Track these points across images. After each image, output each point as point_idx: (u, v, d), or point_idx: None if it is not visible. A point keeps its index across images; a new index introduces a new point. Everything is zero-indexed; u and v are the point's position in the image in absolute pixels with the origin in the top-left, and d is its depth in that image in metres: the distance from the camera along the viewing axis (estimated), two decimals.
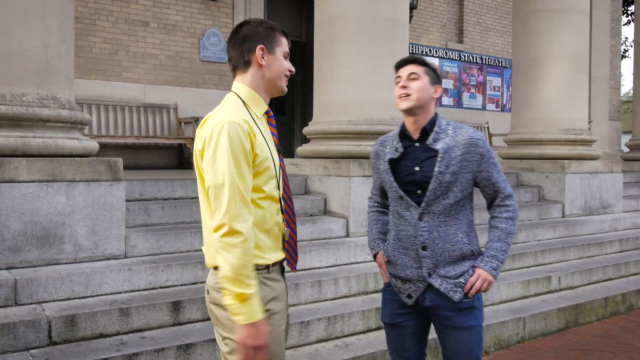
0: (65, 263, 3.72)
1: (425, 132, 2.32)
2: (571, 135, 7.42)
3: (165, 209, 4.55)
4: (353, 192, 5.15)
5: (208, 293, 2.02)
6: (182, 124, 8.17)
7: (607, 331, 4.87)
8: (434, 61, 11.56)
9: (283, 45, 2.04)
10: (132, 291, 3.72)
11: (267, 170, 1.95)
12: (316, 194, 5.49)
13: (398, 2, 5.63)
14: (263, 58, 1.98)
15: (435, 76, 2.37)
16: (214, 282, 1.97)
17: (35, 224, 3.63)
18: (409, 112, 2.31)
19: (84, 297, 3.55)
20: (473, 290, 2.29)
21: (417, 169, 2.32)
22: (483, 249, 2.38)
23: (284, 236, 2.06)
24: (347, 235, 5.15)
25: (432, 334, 2.54)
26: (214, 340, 3.36)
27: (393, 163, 2.37)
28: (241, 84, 2.02)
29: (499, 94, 12.73)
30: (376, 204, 2.62)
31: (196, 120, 7.78)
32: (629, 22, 22.01)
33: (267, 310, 1.95)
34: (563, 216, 7.14)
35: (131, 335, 3.36)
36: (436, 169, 2.27)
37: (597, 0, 13.12)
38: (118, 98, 7.81)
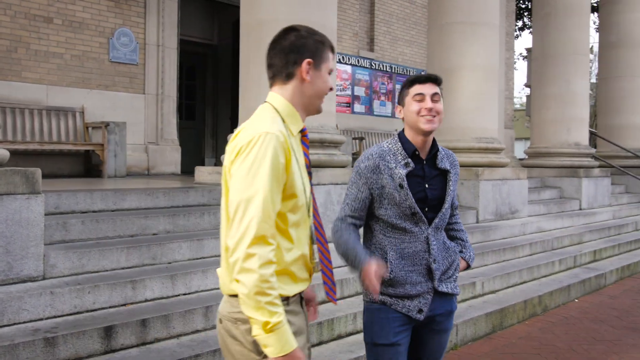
0: None
1: (436, 151, 2.37)
2: (483, 143, 7.74)
3: (85, 223, 4.16)
4: None
5: (221, 322, 1.80)
6: (90, 128, 7.60)
7: (529, 333, 5.08)
8: (347, 68, 11.68)
9: (329, 61, 1.89)
10: (56, 317, 3.35)
11: (295, 196, 1.76)
12: None
13: (327, 9, 5.58)
14: (308, 73, 1.82)
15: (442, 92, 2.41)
16: (228, 310, 1.77)
17: None
18: (430, 133, 2.30)
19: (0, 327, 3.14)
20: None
21: (427, 186, 2.34)
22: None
23: (314, 267, 1.89)
24: None
25: None
26: None
27: (407, 178, 2.32)
28: (279, 97, 1.84)
29: None
30: (351, 227, 2.40)
31: (106, 125, 7.26)
32: (517, 37, 23.59)
33: None
34: (477, 221, 7.41)
35: None
36: (450, 187, 2.37)
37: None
38: (17, 100, 7.12)
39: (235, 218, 1.64)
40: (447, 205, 2.37)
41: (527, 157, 11.09)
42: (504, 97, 15.37)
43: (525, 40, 49.35)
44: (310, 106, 1.88)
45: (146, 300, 3.74)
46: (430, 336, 2.47)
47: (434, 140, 2.39)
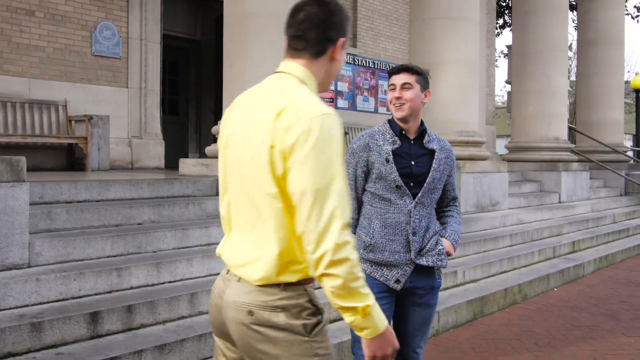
0: None
1: (423, 133, 2.58)
2: (464, 137, 7.85)
3: (70, 212, 4.18)
4: None
5: (252, 314, 1.64)
6: (73, 122, 7.57)
7: (509, 320, 5.19)
8: None
9: (347, 42, 1.79)
10: (42, 303, 3.37)
11: None
12: None
13: None
14: (339, 52, 1.72)
15: (426, 82, 2.57)
16: (265, 299, 1.63)
17: None
18: (403, 119, 2.53)
19: None
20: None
21: (412, 163, 2.55)
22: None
23: None
24: None
25: None
26: (139, 352, 3.15)
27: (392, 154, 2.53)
28: (307, 71, 1.70)
29: None
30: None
31: (90, 119, 7.25)
32: (498, 34, 23.85)
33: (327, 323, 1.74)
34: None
35: (45, 352, 3.04)
36: (434, 165, 2.56)
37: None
38: None
39: (314, 210, 1.51)
40: (430, 180, 2.54)
41: (508, 152, 11.25)
42: (485, 93, 15.54)
43: (506, 38, 49.93)
44: (326, 84, 1.78)
45: (132, 288, 3.77)
46: (413, 310, 2.62)
47: (422, 123, 2.61)
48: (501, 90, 43.81)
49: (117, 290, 3.71)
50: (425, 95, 2.57)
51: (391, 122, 2.60)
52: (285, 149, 1.55)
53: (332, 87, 11.83)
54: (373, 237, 2.56)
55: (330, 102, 11.81)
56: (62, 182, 4.46)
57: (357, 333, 1.64)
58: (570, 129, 14.99)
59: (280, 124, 1.56)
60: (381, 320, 1.62)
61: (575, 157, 11.00)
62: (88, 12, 7.90)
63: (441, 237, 2.64)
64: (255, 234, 1.65)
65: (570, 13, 21.18)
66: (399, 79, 2.52)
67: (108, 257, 3.99)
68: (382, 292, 2.53)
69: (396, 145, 2.54)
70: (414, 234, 2.52)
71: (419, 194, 2.54)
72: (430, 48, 7.82)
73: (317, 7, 1.71)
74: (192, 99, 12.22)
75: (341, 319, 4.21)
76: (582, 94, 13.26)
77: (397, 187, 2.52)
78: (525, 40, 10.52)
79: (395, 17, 13.03)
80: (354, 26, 12.18)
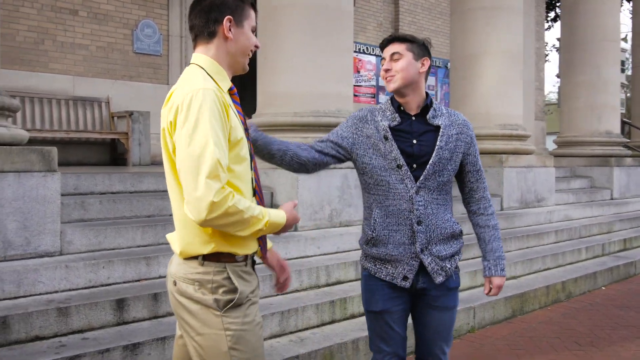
0: None
1: (426, 107, 2.31)
2: (507, 130, 7.61)
3: (103, 203, 4.25)
4: (301, 185, 5.02)
5: (175, 285, 1.84)
6: (115, 118, 7.76)
7: (550, 318, 4.98)
8: (371, 59, 11.63)
9: (251, 18, 1.89)
10: (71, 290, 3.43)
11: (242, 147, 1.80)
12: (262, 187, 5.31)
13: None
14: (230, 30, 1.82)
15: (421, 50, 2.29)
16: (185, 272, 1.81)
17: None
18: (398, 93, 2.29)
19: (16, 298, 3.23)
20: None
21: (415, 142, 2.28)
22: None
23: None
24: (296, 230, 5.00)
25: None
26: (162, 339, 3.15)
27: (392, 131, 2.29)
28: (204, 56, 1.85)
29: (433, 92, 12.97)
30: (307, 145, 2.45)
31: (130, 115, 7.40)
32: (549, 28, 23.11)
33: (247, 300, 1.83)
34: (502, 209, 7.30)
35: (71, 337, 3.08)
36: (438, 143, 2.26)
37: (523, 4, 13.62)
38: (45, 90, 7.31)
39: (189, 174, 1.65)
40: (435, 160, 2.24)
41: (556, 147, 10.87)
42: (534, 87, 15.08)
43: (558, 32, 48.36)
44: (235, 64, 1.89)
45: (160, 277, 3.79)
46: (429, 313, 2.37)
47: (427, 96, 2.34)
48: (554, 86, 42.49)
49: (145, 279, 3.74)
50: (423, 64, 2.28)
51: (392, 99, 2.36)
52: (170, 128, 1.73)
53: (374, 83, 11.72)
54: (375, 229, 2.31)
55: (372, 97, 11.70)
56: (97, 174, 4.54)
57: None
58: (625, 123, 14.37)
59: (167, 108, 1.75)
60: (279, 218, 1.83)
61: (629, 152, 10.51)
62: (129, 11, 8.07)
63: (487, 277, 2.40)
64: (175, 212, 1.83)
65: (626, 3, 20.33)
66: (389, 50, 2.29)
67: (138, 246, 4.03)
68: (392, 292, 2.33)
69: (395, 122, 2.28)
70: (418, 222, 2.25)
71: (421, 177, 2.23)
72: (471, 39, 7.62)
73: None
74: None
75: (330, 322, 4.07)
76: (638, 87, 12.68)
77: (399, 166, 2.24)
78: (574, 29, 10.13)
79: (439, 10, 12.80)
80: (395, 20, 12.03)
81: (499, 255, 2.42)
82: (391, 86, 2.28)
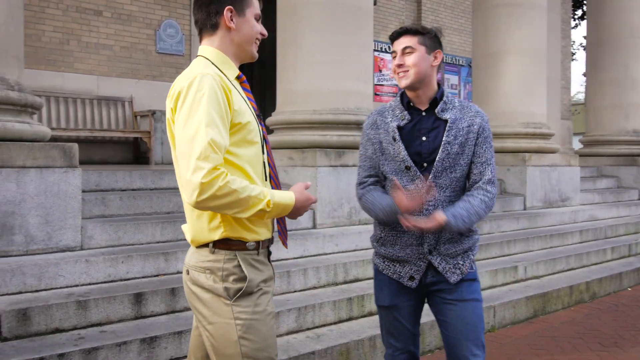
0: (16, 255, 3.44)
1: (435, 101, 2.23)
2: (531, 128, 7.50)
3: (123, 199, 4.30)
4: (319, 183, 5.02)
5: (188, 273, 1.87)
6: (138, 117, 7.85)
7: (573, 318, 4.89)
8: None
9: (254, 6, 1.89)
10: (90, 284, 3.48)
11: (250, 131, 1.80)
12: (282, 186, 5.32)
13: None
14: (232, 21, 1.83)
15: (433, 42, 2.23)
16: (197, 260, 1.83)
17: None
18: (410, 88, 2.21)
19: (37, 291, 3.29)
20: (410, 224, 2.09)
21: (424, 138, 2.20)
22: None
23: None
24: (314, 227, 5.01)
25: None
26: (179, 332, 3.17)
27: (400, 131, 2.22)
28: (209, 47, 1.87)
29: (456, 91, 12.85)
30: (372, 187, 2.32)
31: (153, 114, 7.49)
32: (576, 26, 22.71)
33: (258, 289, 1.83)
34: (524, 208, 7.19)
35: (90, 330, 3.12)
36: (444, 138, 2.17)
37: (548, 2, 13.41)
38: (70, 90, 7.43)
39: (183, 159, 1.65)
40: (442, 156, 2.16)
41: (582, 146, 10.67)
42: (559, 86, 14.84)
43: (585, 30, 47.53)
44: (242, 53, 1.90)
45: (178, 272, 3.82)
46: (447, 309, 2.23)
47: (440, 90, 2.25)
48: (582, 85, 41.76)
49: (164, 274, 3.77)
50: (435, 57, 2.21)
51: (403, 94, 2.27)
52: (172, 116, 1.76)
53: (396, 82, 11.65)
54: (383, 229, 2.27)
55: (394, 96, 11.64)
56: (117, 171, 4.60)
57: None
58: None
59: (169, 97, 1.78)
60: (286, 198, 1.80)
61: None
62: (152, 11, 8.16)
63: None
64: (183, 196, 1.80)
65: None
66: (400, 43, 2.20)
67: (157, 242, 4.07)
68: (400, 288, 2.29)
69: (405, 121, 2.21)
70: (445, 230, 2.15)
71: (430, 175, 2.16)
72: (493, 37, 7.54)
73: None
74: (255, 92, 12.37)
75: (348, 319, 4.05)
76: None
77: (407, 168, 2.18)
78: (600, 26, 9.95)
79: (462, 9, 12.68)
80: (417, 19, 11.95)
81: (457, 211, 2.13)
82: (404, 82, 2.20)
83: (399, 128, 2.22)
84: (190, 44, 8.62)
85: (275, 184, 1.95)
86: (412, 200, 2.09)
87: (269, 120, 5.76)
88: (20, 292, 3.24)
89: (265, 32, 1.93)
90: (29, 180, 3.50)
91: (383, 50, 11.41)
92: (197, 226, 1.82)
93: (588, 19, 10.47)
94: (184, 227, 1.94)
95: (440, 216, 2.09)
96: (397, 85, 11.62)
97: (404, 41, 2.20)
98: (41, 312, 3.02)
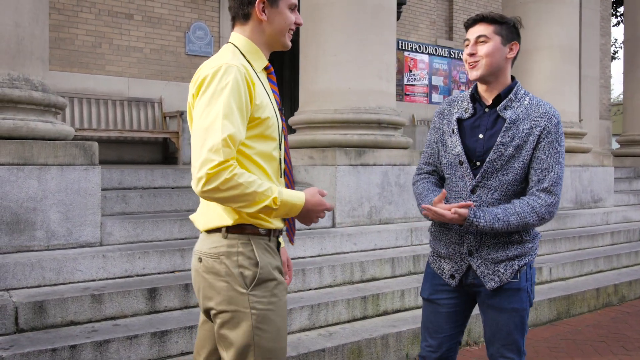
0: (37, 250, 3.56)
1: (499, 98, 2.12)
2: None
3: (144, 197, 4.40)
4: (339, 182, 5.03)
5: (200, 261, 1.82)
6: (167, 118, 8.01)
7: (599, 322, 4.76)
8: (424, 58, 11.48)
9: None
10: (107, 279, 3.57)
11: (269, 126, 1.79)
12: (301, 184, 5.35)
13: None
14: (264, 12, 1.81)
15: (510, 32, 2.12)
16: (209, 246, 1.80)
17: (4, 209, 3.47)
18: (481, 79, 2.12)
19: (55, 285, 3.40)
20: (429, 212, 2.06)
21: (481, 136, 2.13)
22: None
23: None
24: (334, 226, 5.02)
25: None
26: (190, 327, 3.23)
27: (460, 124, 2.16)
28: (240, 35, 1.85)
29: None
30: (427, 175, 2.31)
31: (181, 114, 7.63)
32: (618, 24, 22.06)
33: (273, 279, 1.81)
34: None
35: (103, 323, 3.21)
36: (499, 139, 2.07)
37: None
38: (101, 92, 7.65)
39: (196, 148, 1.65)
40: (493, 158, 2.06)
41: (619, 146, 10.37)
42: (598, 85, 14.45)
43: None
44: (274, 43, 1.88)
45: None
46: (485, 311, 2.22)
47: (510, 86, 2.13)
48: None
49: (180, 271, 3.84)
50: (511, 49, 2.10)
51: (476, 85, 2.18)
52: (192, 101, 1.77)
53: (426, 82, 11.57)
54: (434, 223, 2.24)
55: (424, 96, 11.55)
56: (140, 170, 4.71)
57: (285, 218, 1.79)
58: None
59: (194, 80, 1.77)
60: (295, 198, 1.75)
61: None
62: (182, 14, 8.32)
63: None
64: None
65: None
66: (474, 32, 2.09)
67: (175, 239, 4.14)
68: (442, 284, 2.26)
69: (467, 114, 2.13)
70: (476, 230, 2.08)
71: (478, 175, 2.08)
72: (523, 34, 7.28)
73: None
74: (285, 95, 12.47)
75: (399, 310, 4.07)
76: None
77: (460, 162, 2.11)
78: (637, 24, 9.65)
79: (495, 7, 12.48)
80: (449, 18, 11.83)
81: (493, 213, 2.04)
82: (474, 74, 2.10)
83: (460, 120, 2.16)
84: (219, 45, 8.74)
85: (290, 180, 1.94)
86: (448, 215, 2.03)
87: (291, 120, 5.80)
88: (39, 286, 3.35)
89: (300, 20, 1.89)
90: (50, 177, 3.62)
91: (413, 50, 11.33)
92: (212, 212, 1.80)
93: (625, 16, 10.18)
94: (192, 217, 1.92)
95: (463, 210, 2.03)
96: (427, 85, 11.52)
97: (479, 29, 2.09)
98: (57, 305, 3.12)
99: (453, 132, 2.15)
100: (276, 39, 1.87)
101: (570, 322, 4.73)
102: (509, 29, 2.11)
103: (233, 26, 1.89)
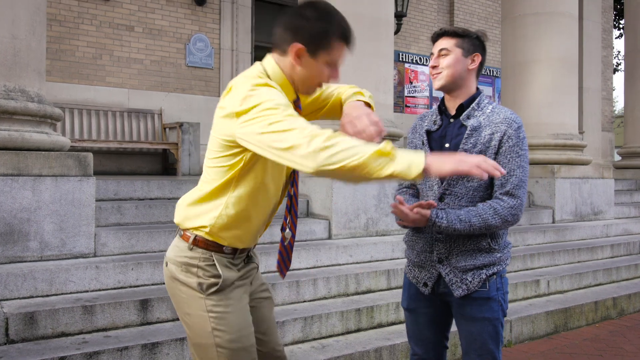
0: (30, 261, 3.57)
1: (462, 108, 2.19)
2: (561, 140, 7.32)
3: (139, 208, 4.40)
4: (335, 193, 5.02)
5: (167, 265, 1.92)
6: (167, 129, 8.03)
7: (597, 335, 4.72)
8: (424, 70, 11.51)
9: (333, 53, 1.74)
10: (100, 290, 3.57)
11: None
12: (299, 195, 5.35)
13: (381, 2, 5.55)
14: (299, 58, 1.74)
15: (472, 45, 2.18)
16: (175, 254, 1.89)
17: None
18: (444, 89, 2.21)
19: (47, 296, 3.39)
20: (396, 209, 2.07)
21: (447, 145, 2.19)
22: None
23: (283, 239, 2.01)
24: (330, 237, 5.01)
25: None
26: (182, 339, 3.21)
27: (429, 136, 2.25)
28: (275, 65, 1.79)
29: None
30: (405, 189, 2.39)
31: (180, 125, 7.65)
32: (621, 36, 22.08)
33: (232, 284, 1.88)
34: (553, 222, 7.01)
35: (95, 335, 3.20)
36: (461, 146, 2.13)
37: (587, 11, 13.12)
38: (101, 103, 7.68)
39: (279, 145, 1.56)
40: None
41: (620, 158, 10.35)
42: (600, 97, 14.43)
43: None
44: (300, 85, 1.82)
45: None
46: (458, 321, 2.24)
47: (473, 96, 2.19)
48: None
49: None
50: (473, 60, 2.16)
51: (443, 98, 2.27)
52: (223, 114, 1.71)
53: (427, 94, 11.59)
54: (408, 232, 2.32)
55: (425, 108, 11.56)
56: (136, 180, 4.72)
57: (415, 178, 1.55)
58: None
59: (227, 94, 1.72)
60: (415, 157, 1.55)
61: None
62: (182, 26, 8.37)
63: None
64: (204, 186, 1.90)
65: None
66: (437, 45, 2.19)
67: None
68: (419, 293, 2.30)
69: (435, 126, 2.21)
70: (439, 232, 2.14)
71: (444, 182, 2.14)
72: (522, 47, 7.42)
73: (298, 7, 1.76)
74: None
75: (394, 323, 4.04)
76: None
77: None
78: (637, 35, 9.66)
79: (496, 19, 12.53)
80: None
81: (455, 215, 2.08)
82: (437, 84, 2.20)
83: (429, 132, 2.24)
84: (220, 57, 8.79)
85: (294, 217, 1.98)
86: (410, 214, 2.06)
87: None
88: (31, 297, 3.35)
89: (337, 77, 1.80)
90: (44, 188, 3.63)
91: (414, 62, 11.37)
92: (192, 212, 1.85)
93: (625, 28, 10.20)
94: (177, 203, 1.97)
95: (425, 211, 2.06)
96: (428, 97, 11.54)
97: (442, 43, 2.19)
98: (48, 316, 3.12)
99: (422, 143, 2.24)
100: (304, 84, 1.81)
101: (568, 336, 4.69)
102: (471, 42, 2.19)
103: (273, 49, 1.82)
